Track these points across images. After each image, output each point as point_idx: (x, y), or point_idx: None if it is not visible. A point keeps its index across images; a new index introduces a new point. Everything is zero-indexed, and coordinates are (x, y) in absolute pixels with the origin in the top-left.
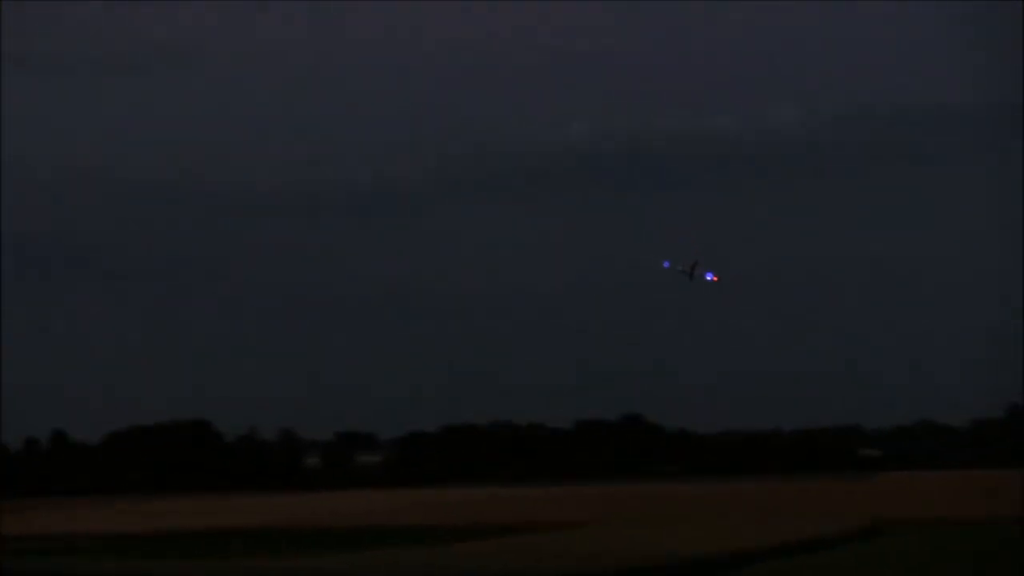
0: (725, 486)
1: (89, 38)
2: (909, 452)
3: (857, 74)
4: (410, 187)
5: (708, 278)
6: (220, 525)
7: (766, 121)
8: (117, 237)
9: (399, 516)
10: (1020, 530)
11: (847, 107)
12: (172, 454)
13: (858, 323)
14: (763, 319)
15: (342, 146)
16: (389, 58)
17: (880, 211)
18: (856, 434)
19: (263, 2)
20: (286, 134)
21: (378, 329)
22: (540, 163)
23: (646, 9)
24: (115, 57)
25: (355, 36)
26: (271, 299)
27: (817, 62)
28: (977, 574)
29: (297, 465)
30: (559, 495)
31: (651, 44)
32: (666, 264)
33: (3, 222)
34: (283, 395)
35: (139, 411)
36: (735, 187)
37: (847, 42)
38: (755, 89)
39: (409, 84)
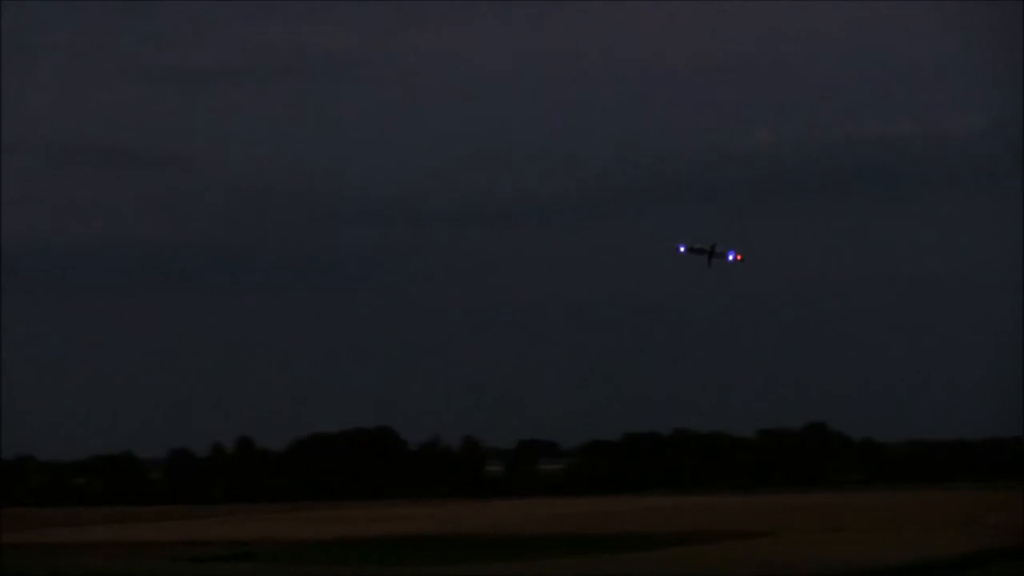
0: (911, 495)
1: (257, 49)
2: None
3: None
4: (578, 197)
5: (731, 258)
6: (403, 532)
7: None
8: (298, 246)
9: (582, 524)
10: None
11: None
12: (356, 461)
13: None
14: (954, 326)
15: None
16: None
17: None
18: None
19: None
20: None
21: (561, 338)
22: (722, 172)
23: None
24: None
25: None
26: (454, 307)
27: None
28: None
29: (480, 473)
30: (743, 504)
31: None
32: (681, 248)
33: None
34: (466, 403)
35: (324, 419)
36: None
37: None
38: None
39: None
